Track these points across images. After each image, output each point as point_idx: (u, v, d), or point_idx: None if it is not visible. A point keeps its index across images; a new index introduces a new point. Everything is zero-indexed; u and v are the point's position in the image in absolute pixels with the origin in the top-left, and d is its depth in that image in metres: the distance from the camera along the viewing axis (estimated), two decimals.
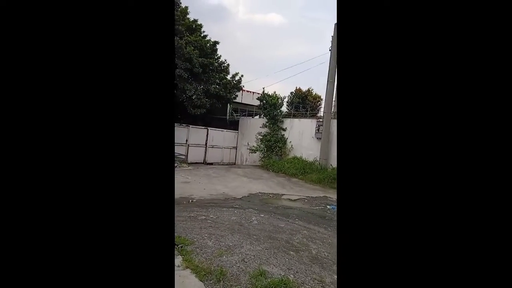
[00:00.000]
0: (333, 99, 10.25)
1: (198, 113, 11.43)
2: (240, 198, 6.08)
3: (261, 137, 12.15)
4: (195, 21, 11.93)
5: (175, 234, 3.25)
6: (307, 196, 6.76)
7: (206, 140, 12.92)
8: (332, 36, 10.46)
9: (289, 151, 11.64)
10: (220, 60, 12.47)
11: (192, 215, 4.28)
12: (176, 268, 2.44)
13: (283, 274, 2.53)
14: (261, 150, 12.01)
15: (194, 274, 2.35)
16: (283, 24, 65.07)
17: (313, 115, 13.31)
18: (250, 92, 16.83)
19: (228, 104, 14.46)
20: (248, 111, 15.51)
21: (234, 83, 12.60)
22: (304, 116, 12.90)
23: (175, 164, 9.99)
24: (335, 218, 4.29)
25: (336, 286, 2.38)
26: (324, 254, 3.16)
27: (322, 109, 13.29)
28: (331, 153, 9.82)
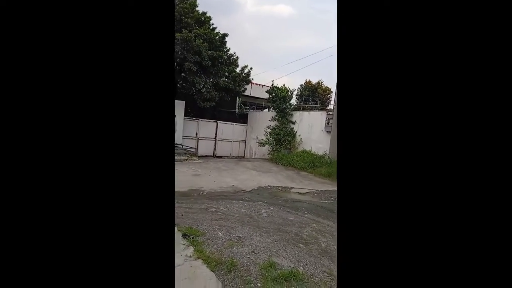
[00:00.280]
0: None
1: (208, 106, 11.49)
2: (250, 191, 6.13)
3: (270, 130, 12.12)
4: (204, 13, 11.86)
5: (186, 225, 3.33)
6: (316, 190, 6.75)
7: (216, 134, 13.01)
8: None
9: (298, 144, 11.58)
10: (229, 53, 12.42)
11: (203, 207, 4.35)
12: (188, 258, 2.51)
13: (292, 266, 2.56)
14: (270, 144, 12.01)
15: (206, 265, 2.41)
16: (291, 15, 63.89)
17: (323, 108, 13.14)
18: (259, 85, 16.75)
19: (237, 97, 14.46)
20: (257, 104, 15.47)
21: (243, 76, 12.56)
22: (313, 109, 12.76)
23: (185, 157, 10.13)
24: None
25: None
26: (333, 247, 3.17)
27: (332, 102, 13.12)
28: None
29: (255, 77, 14.20)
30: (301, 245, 3.15)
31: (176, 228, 3.14)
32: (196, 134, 12.37)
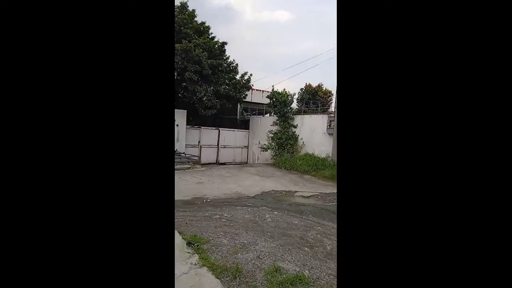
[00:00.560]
0: None
1: (209, 114, 11.57)
2: (253, 197, 6.13)
3: (272, 135, 12.15)
4: (202, 23, 12.06)
5: (191, 233, 3.34)
6: (320, 193, 6.72)
7: (218, 141, 13.06)
8: None
9: (301, 148, 11.58)
10: (229, 60, 12.57)
11: (207, 214, 4.36)
12: (193, 266, 2.52)
13: (298, 270, 2.55)
14: (273, 148, 12.02)
15: (211, 272, 2.41)
16: (290, 20, 64.58)
17: (324, 110, 13.17)
18: (260, 90, 16.84)
19: (238, 104, 14.55)
20: (258, 109, 15.54)
21: (243, 83, 12.67)
22: (315, 112, 12.79)
23: (189, 166, 10.17)
24: None
25: None
26: None
27: (333, 104, 13.13)
28: None
29: (255, 83, 14.36)
30: (306, 248, 3.13)
31: (180, 237, 3.15)
32: (199, 142, 12.43)
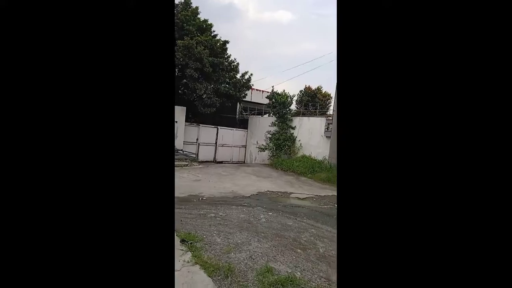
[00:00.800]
0: None
1: (208, 112, 11.56)
2: (249, 196, 6.14)
3: (270, 135, 12.18)
4: (205, 21, 12.04)
5: (185, 231, 3.35)
6: (315, 195, 6.75)
7: (216, 139, 13.06)
8: None
9: (298, 149, 11.61)
10: (230, 59, 12.57)
11: (202, 212, 4.37)
12: (186, 263, 2.53)
13: (290, 271, 2.58)
14: (270, 149, 12.05)
15: (203, 270, 2.42)
16: (292, 21, 64.63)
17: (323, 113, 13.19)
18: (260, 90, 16.85)
19: (238, 103, 14.55)
20: (257, 109, 15.55)
21: (243, 82, 12.68)
22: (313, 114, 12.81)
23: (186, 163, 10.16)
24: None
25: None
26: (332, 253, 3.18)
27: (331, 107, 13.18)
28: None
29: (255, 83, 14.33)
30: (299, 250, 3.16)
31: (175, 234, 3.17)
32: (197, 139, 12.42)
